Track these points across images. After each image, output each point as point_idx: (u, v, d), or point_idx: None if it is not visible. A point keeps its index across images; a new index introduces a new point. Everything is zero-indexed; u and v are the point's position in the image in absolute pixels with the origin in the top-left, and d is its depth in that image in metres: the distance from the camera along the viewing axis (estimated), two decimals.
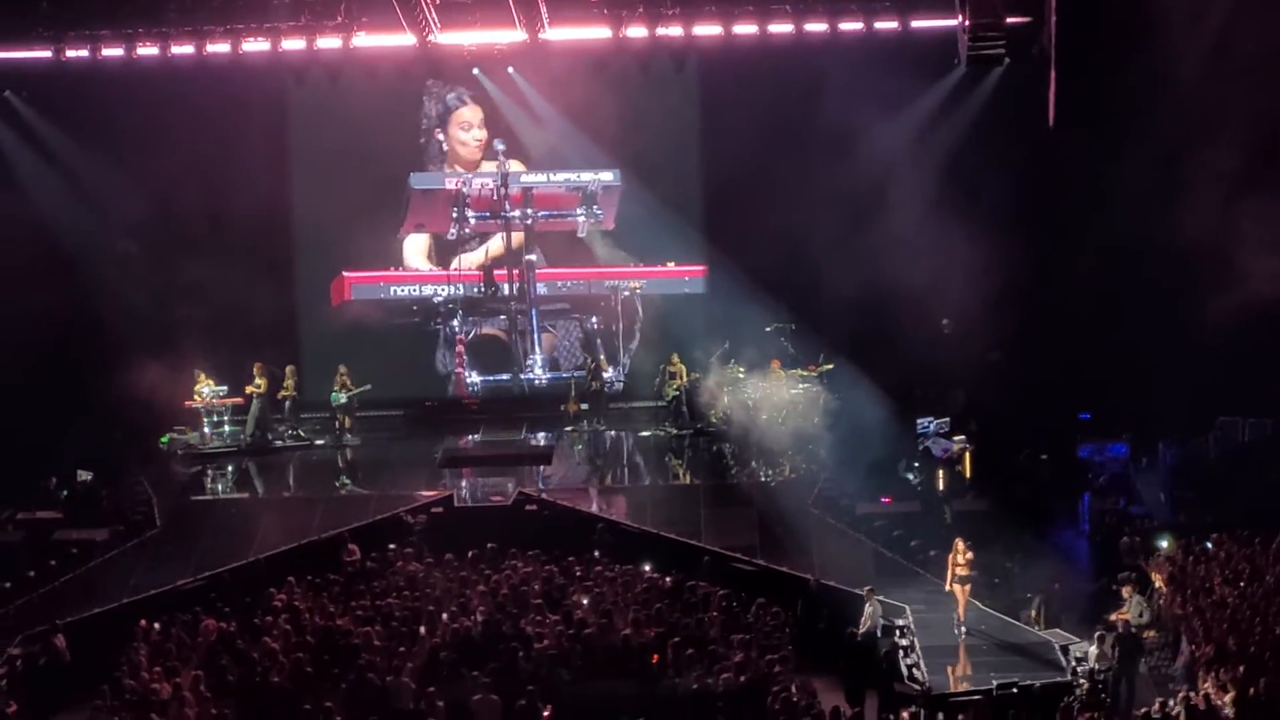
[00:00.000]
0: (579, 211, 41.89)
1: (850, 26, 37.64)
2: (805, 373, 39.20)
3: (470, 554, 32.51)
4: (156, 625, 30.00)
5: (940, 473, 36.18)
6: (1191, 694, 26.47)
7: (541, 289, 42.38)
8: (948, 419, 37.51)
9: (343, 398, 39.83)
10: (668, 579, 31.36)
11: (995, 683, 27.87)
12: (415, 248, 42.50)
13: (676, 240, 41.19)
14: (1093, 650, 28.56)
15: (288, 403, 40.07)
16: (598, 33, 38.03)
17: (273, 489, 38.18)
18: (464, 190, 41.72)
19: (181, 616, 30.29)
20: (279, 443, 39.89)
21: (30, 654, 30.14)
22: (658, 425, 40.33)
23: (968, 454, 36.41)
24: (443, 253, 42.45)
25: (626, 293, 41.89)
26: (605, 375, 40.80)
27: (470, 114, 42.17)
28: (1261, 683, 26.10)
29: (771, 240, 39.02)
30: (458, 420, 41.35)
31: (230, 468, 38.88)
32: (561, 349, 42.61)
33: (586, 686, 27.43)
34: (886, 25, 37.59)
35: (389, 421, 41.24)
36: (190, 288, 39.71)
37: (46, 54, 38.03)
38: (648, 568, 31.92)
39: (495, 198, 41.66)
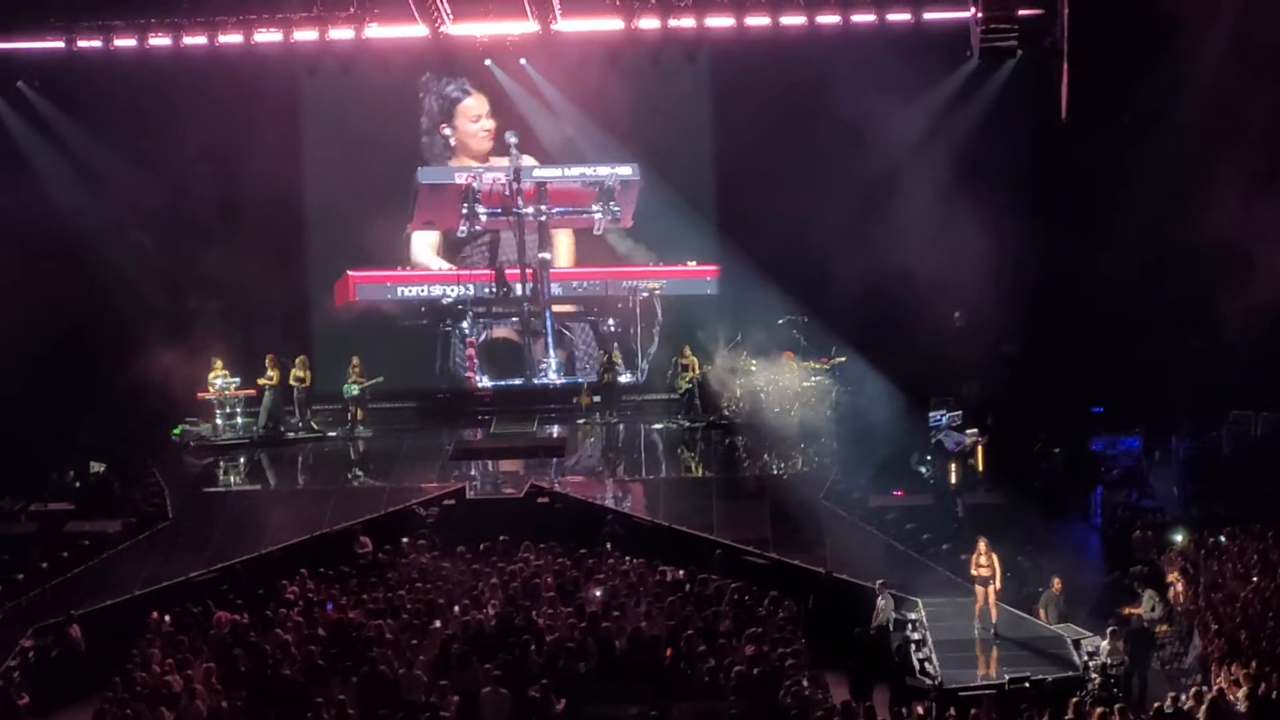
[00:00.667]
0: (595, 207, 41.58)
1: (863, 18, 37.50)
2: (817, 365, 39.16)
3: (482, 546, 32.52)
4: (168, 617, 30.02)
5: (953, 466, 36.22)
6: (1204, 688, 26.44)
7: (556, 289, 42.14)
8: (960, 412, 37.51)
9: (355, 389, 39.82)
10: (680, 572, 31.34)
11: (1007, 677, 27.86)
12: (424, 242, 42.27)
13: (689, 233, 41.09)
14: (1105, 645, 28.51)
15: (297, 392, 39.88)
16: (610, 24, 37.97)
17: (285, 481, 38.20)
18: (474, 185, 41.38)
19: (193, 608, 30.28)
20: (291, 434, 39.89)
21: (42, 645, 30.20)
22: (670, 418, 40.31)
23: (980, 447, 36.40)
24: (451, 249, 42.29)
25: (645, 293, 41.63)
26: (618, 367, 40.68)
27: (476, 104, 41.90)
28: (1274, 677, 26.03)
29: (783, 232, 38.97)
30: (470, 413, 41.31)
31: (242, 459, 38.89)
32: (579, 353, 42.25)
33: (599, 679, 27.41)
34: (899, 17, 37.43)
35: (401, 413, 41.21)
36: (202, 279, 39.78)
37: (59, 44, 37.96)
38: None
39: (507, 193, 41.38)
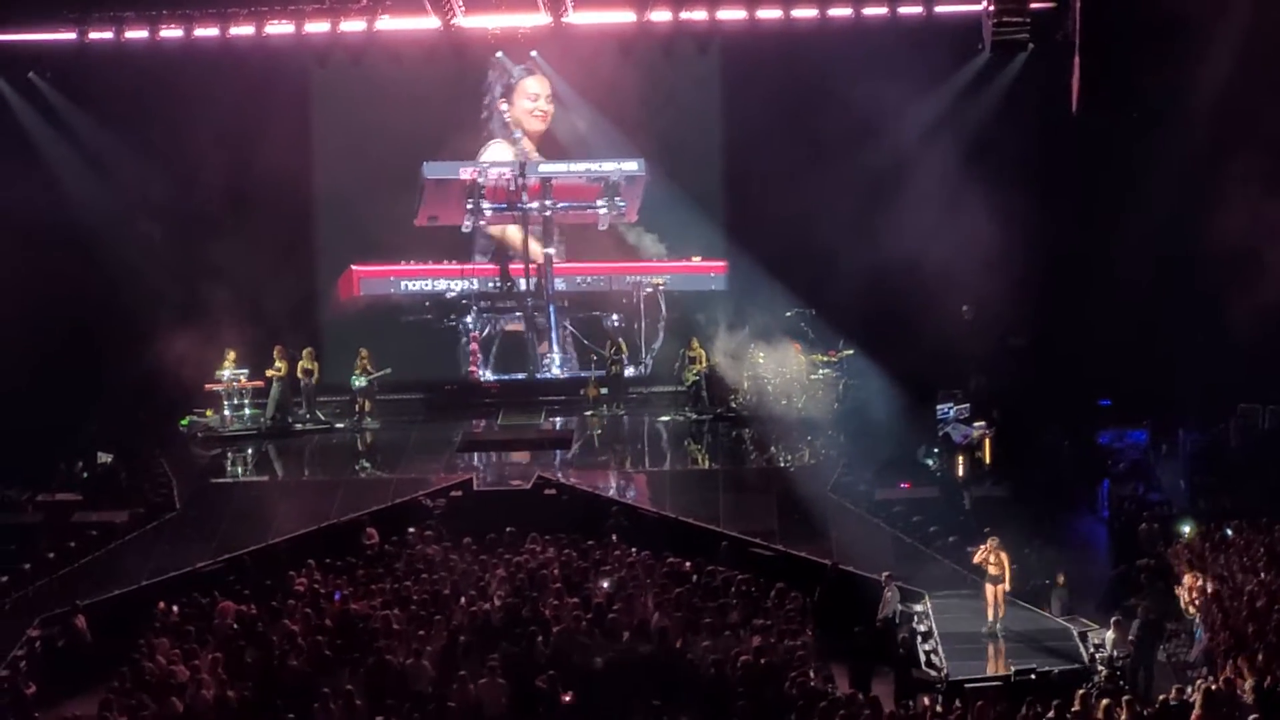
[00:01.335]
0: (600, 203, 41.56)
1: (875, 11, 37.52)
2: (825, 358, 39.14)
3: (489, 538, 32.51)
4: (175, 608, 30.02)
5: (960, 458, 36.20)
6: (1210, 681, 26.39)
7: (560, 284, 42.12)
8: (968, 405, 37.49)
9: (363, 381, 39.82)
10: (687, 564, 31.34)
11: (1013, 669, 27.86)
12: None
13: (696, 226, 41.10)
14: (1111, 637, 28.49)
15: (305, 384, 39.90)
16: (621, 16, 37.99)
17: (292, 472, 38.25)
18: (480, 180, 41.31)
19: (200, 599, 30.30)
20: (299, 426, 39.92)
21: (49, 635, 30.24)
22: (677, 410, 40.30)
23: (987, 440, 36.38)
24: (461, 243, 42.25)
25: (650, 289, 41.63)
26: (624, 359, 40.68)
27: (537, 84, 41.90)
28: None
29: (792, 225, 38.96)
30: (477, 405, 41.30)
31: (250, 450, 38.93)
32: (583, 349, 42.19)
33: (605, 670, 27.40)
34: (911, 10, 37.47)
35: (409, 405, 41.19)
36: (211, 270, 39.72)
37: (70, 35, 38.08)
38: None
39: (513, 188, 41.33)
